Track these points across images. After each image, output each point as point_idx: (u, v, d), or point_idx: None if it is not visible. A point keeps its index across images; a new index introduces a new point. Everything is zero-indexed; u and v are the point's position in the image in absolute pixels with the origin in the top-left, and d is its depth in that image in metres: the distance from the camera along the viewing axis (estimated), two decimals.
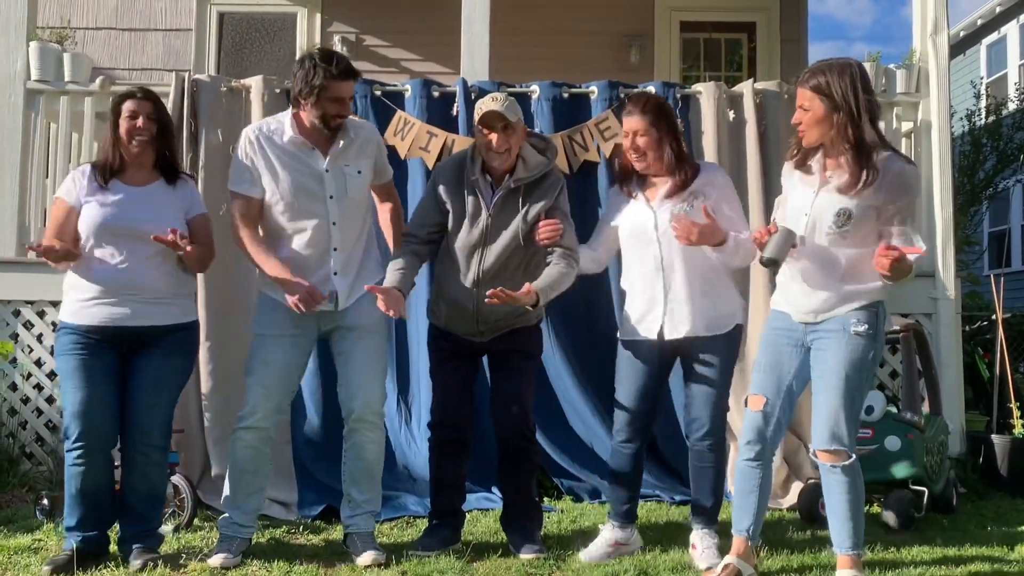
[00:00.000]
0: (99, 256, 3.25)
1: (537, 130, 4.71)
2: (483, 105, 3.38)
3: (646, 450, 4.52)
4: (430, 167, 4.64)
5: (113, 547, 3.37)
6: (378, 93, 4.76)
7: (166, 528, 3.73)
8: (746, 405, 3.17)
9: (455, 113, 4.72)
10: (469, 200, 3.40)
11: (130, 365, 3.29)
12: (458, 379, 3.51)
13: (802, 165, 3.07)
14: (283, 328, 3.36)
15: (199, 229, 3.38)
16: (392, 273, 3.36)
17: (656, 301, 3.36)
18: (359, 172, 3.40)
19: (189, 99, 4.53)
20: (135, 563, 3.16)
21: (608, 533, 3.46)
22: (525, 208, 3.38)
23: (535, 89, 4.79)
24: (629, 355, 3.44)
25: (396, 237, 3.58)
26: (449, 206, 3.42)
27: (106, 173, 3.30)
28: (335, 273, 3.37)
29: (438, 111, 4.74)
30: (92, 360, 3.22)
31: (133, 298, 3.24)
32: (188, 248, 3.21)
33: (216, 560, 3.25)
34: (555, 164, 3.54)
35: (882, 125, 4.95)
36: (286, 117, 3.40)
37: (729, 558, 3.14)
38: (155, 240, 3.18)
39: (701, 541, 3.35)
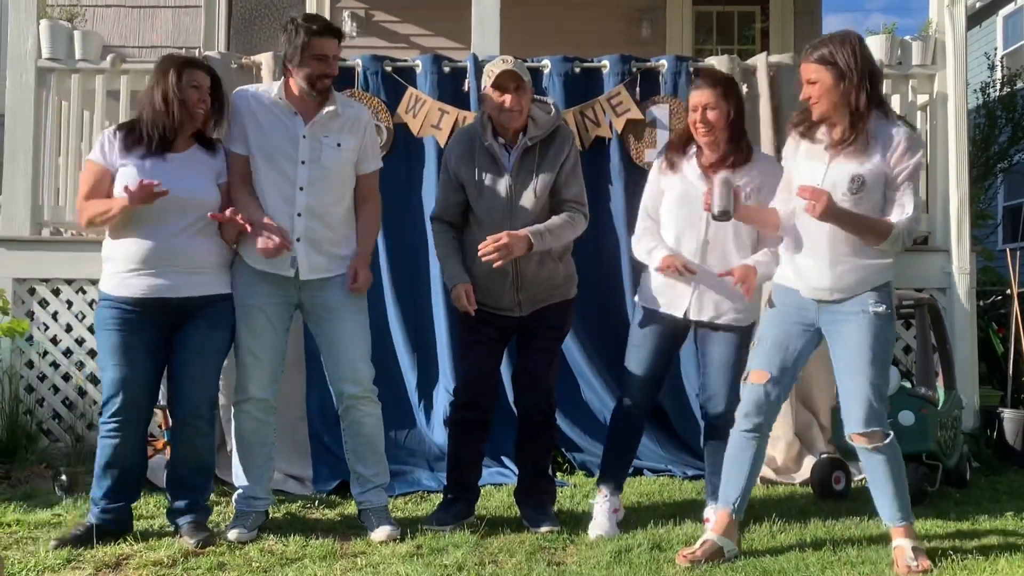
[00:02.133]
0: (133, 225, 3.21)
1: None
2: (494, 68, 3.40)
3: (657, 424, 4.59)
4: (442, 145, 4.62)
5: (158, 519, 3.43)
6: (388, 69, 4.74)
7: (181, 503, 3.77)
8: (747, 378, 3.18)
9: (466, 89, 4.70)
10: (487, 167, 3.42)
11: (175, 338, 3.29)
12: (489, 360, 3.52)
13: (808, 135, 3.07)
14: (264, 296, 3.37)
15: (226, 196, 3.38)
16: (456, 267, 3.43)
17: (686, 286, 3.35)
18: (338, 144, 3.38)
19: None
20: (188, 540, 3.21)
21: (606, 503, 3.46)
22: (542, 166, 3.41)
23: (546, 64, 4.75)
24: (645, 321, 3.44)
25: (367, 239, 3.50)
26: (465, 180, 3.43)
27: (153, 138, 3.24)
28: (297, 240, 3.34)
29: (449, 87, 4.72)
30: (132, 337, 3.21)
31: (174, 268, 3.22)
32: (247, 226, 3.20)
33: (232, 535, 3.28)
34: (560, 117, 3.57)
35: (897, 99, 4.96)
36: (278, 82, 3.45)
37: (709, 534, 3.13)
38: (212, 218, 3.21)
39: (713, 512, 3.37)
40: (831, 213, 2.93)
